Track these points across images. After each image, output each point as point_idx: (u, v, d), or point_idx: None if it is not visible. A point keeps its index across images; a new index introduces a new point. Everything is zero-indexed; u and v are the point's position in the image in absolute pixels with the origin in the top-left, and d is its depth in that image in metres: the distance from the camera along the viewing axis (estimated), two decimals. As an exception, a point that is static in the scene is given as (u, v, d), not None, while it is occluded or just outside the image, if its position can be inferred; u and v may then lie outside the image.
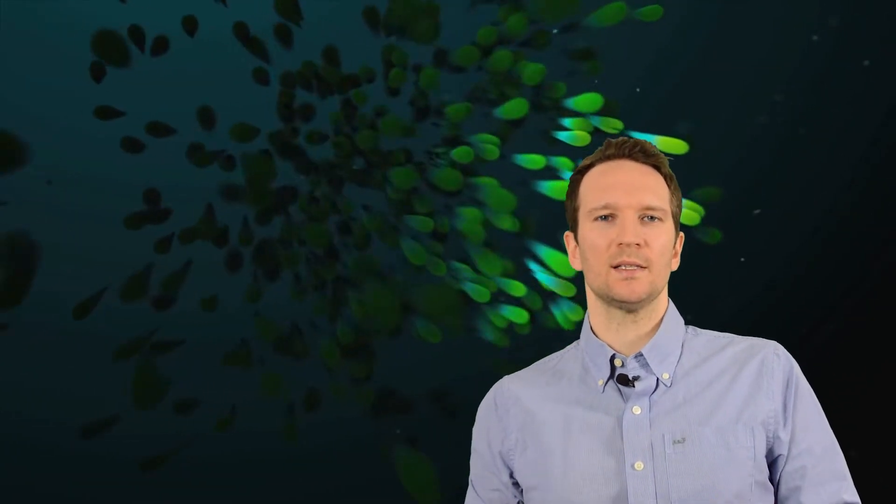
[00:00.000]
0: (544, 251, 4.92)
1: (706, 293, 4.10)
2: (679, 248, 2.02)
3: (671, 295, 2.04)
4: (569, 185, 2.05)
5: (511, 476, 2.08)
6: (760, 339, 2.03)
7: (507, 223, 4.89)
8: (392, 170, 4.91)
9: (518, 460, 2.04)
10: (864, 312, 4.35)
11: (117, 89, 4.45)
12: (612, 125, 4.60)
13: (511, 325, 4.91)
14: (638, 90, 4.60)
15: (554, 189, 4.86)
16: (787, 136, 4.48)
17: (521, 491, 2.08)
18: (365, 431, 4.66)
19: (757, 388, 1.96)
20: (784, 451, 1.97)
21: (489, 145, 4.84)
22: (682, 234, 2.04)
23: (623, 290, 1.94)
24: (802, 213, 4.43)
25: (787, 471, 1.97)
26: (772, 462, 1.97)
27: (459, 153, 4.86)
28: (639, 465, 1.93)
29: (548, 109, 4.74)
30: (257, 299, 4.82)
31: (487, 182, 4.92)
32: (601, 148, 2.03)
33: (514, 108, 4.72)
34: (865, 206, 4.42)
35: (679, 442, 1.92)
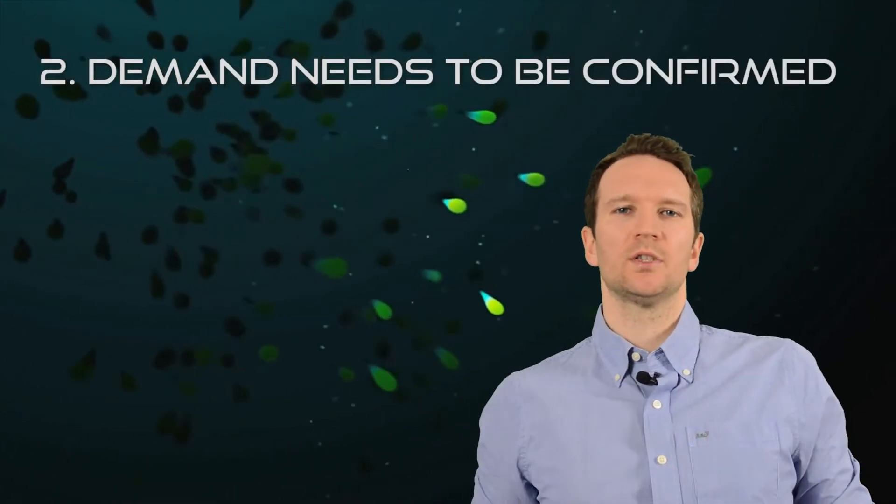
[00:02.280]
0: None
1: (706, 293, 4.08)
2: (698, 249, 2.03)
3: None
4: (590, 181, 2.05)
5: (522, 477, 2.04)
6: (776, 337, 2.03)
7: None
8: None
9: (532, 458, 2.00)
10: (865, 314, 4.33)
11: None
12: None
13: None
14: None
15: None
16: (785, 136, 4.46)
17: (536, 491, 2.04)
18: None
19: (779, 383, 1.95)
20: (807, 447, 1.97)
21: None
22: (701, 235, 2.04)
23: (639, 283, 1.93)
24: (802, 213, 4.41)
25: (814, 463, 1.98)
26: (795, 458, 1.97)
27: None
28: (662, 459, 1.90)
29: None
30: None
31: None
32: (623, 144, 2.03)
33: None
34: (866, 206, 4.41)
35: (702, 436, 1.90)
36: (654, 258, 1.92)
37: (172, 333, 4.35)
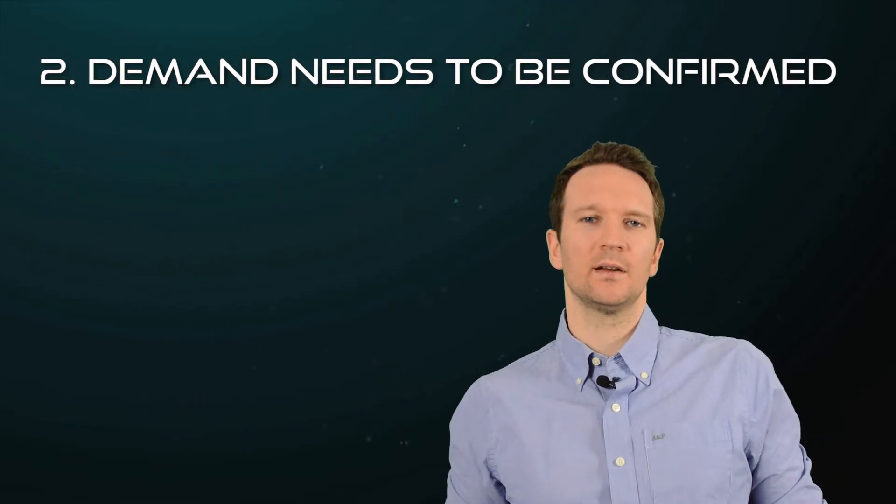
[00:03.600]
0: None
1: (699, 298, 4.09)
2: (658, 255, 2.10)
3: (654, 299, 2.11)
4: (555, 184, 2.13)
5: (491, 476, 2.11)
6: (731, 338, 2.10)
7: None
8: None
9: (499, 459, 2.08)
10: (864, 315, 4.33)
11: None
12: None
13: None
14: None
15: None
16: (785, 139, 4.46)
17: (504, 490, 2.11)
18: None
19: (731, 384, 2.02)
20: (757, 444, 2.04)
21: None
22: (661, 240, 2.11)
23: (603, 292, 2.00)
24: (801, 213, 4.41)
25: (763, 460, 2.05)
26: (748, 454, 2.04)
27: None
28: (620, 461, 1.96)
29: None
30: None
31: None
32: (590, 150, 2.11)
33: None
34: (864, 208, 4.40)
35: (658, 437, 1.97)
36: (618, 269, 1.99)
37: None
